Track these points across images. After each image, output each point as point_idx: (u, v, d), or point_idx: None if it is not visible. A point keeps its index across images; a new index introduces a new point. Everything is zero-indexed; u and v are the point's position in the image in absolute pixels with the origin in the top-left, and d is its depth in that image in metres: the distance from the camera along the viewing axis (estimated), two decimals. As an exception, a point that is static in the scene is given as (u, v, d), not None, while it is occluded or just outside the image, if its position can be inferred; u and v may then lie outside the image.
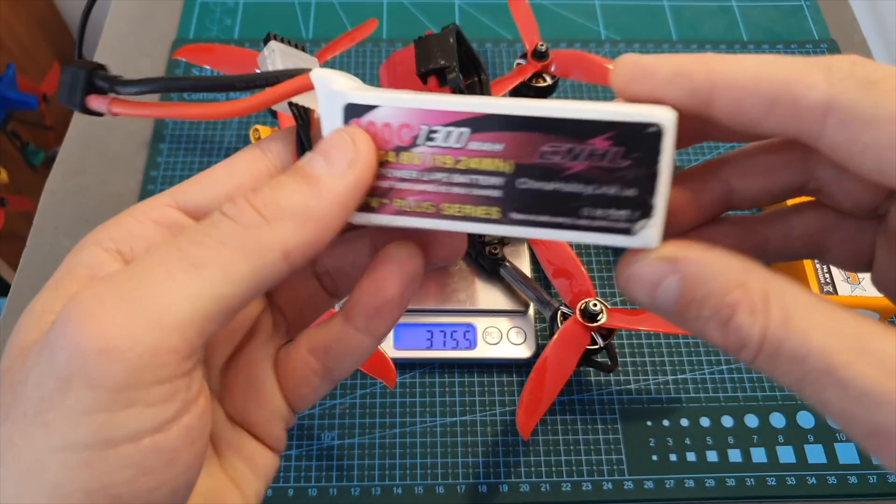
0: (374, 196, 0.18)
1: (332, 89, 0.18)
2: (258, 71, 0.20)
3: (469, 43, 0.44)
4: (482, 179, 0.17)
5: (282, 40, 0.21)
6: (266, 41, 0.20)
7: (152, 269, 0.16)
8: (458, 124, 0.17)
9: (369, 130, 0.18)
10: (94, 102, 0.20)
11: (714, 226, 0.20)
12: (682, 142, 0.19)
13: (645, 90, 0.17)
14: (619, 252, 0.48)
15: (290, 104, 0.19)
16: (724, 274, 0.16)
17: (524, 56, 0.50)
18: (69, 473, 0.14)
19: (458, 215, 0.18)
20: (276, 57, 0.20)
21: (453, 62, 0.40)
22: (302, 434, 0.42)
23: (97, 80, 0.20)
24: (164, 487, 0.16)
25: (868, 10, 0.67)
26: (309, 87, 0.18)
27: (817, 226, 0.20)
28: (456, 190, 0.18)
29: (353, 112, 0.18)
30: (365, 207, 0.18)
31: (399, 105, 0.17)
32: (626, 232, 0.17)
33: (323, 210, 0.17)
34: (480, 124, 0.17)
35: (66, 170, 0.52)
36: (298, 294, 0.23)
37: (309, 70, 0.18)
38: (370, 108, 0.18)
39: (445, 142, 0.17)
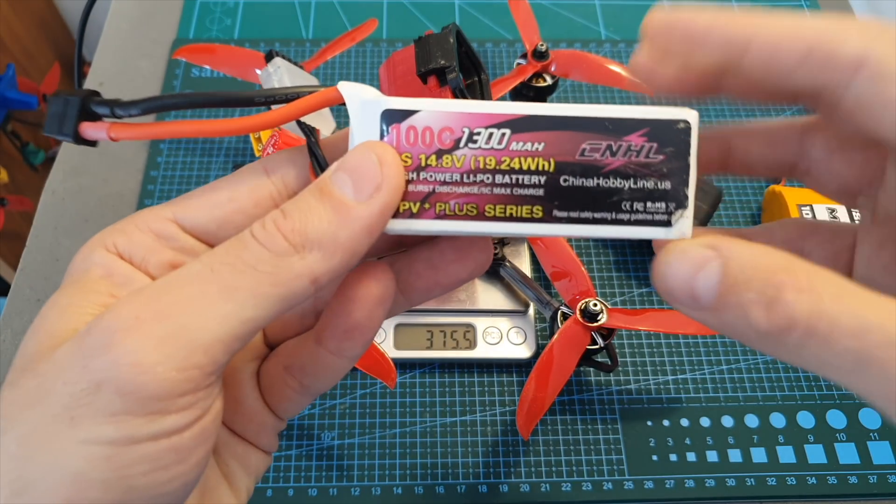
0: (413, 201, 0.18)
1: (364, 98, 0.18)
2: (263, 86, 0.19)
3: (469, 43, 0.44)
4: (525, 179, 0.18)
5: (283, 57, 0.20)
6: (269, 58, 0.20)
7: (185, 288, 0.17)
8: (498, 126, 0.18)
9: (409, 135, 0.18)
10: (89, 130, 0.19)
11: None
12: (704, 169, 0.20)
13: (680, 38, 0.17)
14: (618, 251, 0.48)
15: (300, 123, 0.19)
16: (767, 258, 0.16)
17: (524, 56, 0.50)
18: (90, 464, 0.15)
19: (501, 216, 0.18)
20: (283, 73, 0.20)
21: (453, 62, 0.40)
22: (302, 434, 0.42)
23: (93, 106, 0.19)
24: (176, 481, 0.17)
25: (868, 10, 0.67)
26: (337, 101, 0.18)
27: (797, 233, 0.21)
28: (499, 191, 0.18)
29: (392, 118, 0.18)
30: (405, 213, 0.18)
31: (440, 109, 0.18)
32: (666, 224, 0.18)
33: (349, 238, 0.17)
34: (521, 125, 0.18)
35: (66, 169, 0.52)
36: (290, 329, 0.23)
37: (317, 85, 0.19)
38: (409, 113, 0.18)
39: (487, 143, 0.18)
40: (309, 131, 0.19)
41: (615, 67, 0.47)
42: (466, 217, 0.18)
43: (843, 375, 0.15)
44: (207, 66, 0.53)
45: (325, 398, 0.43)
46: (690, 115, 0.18)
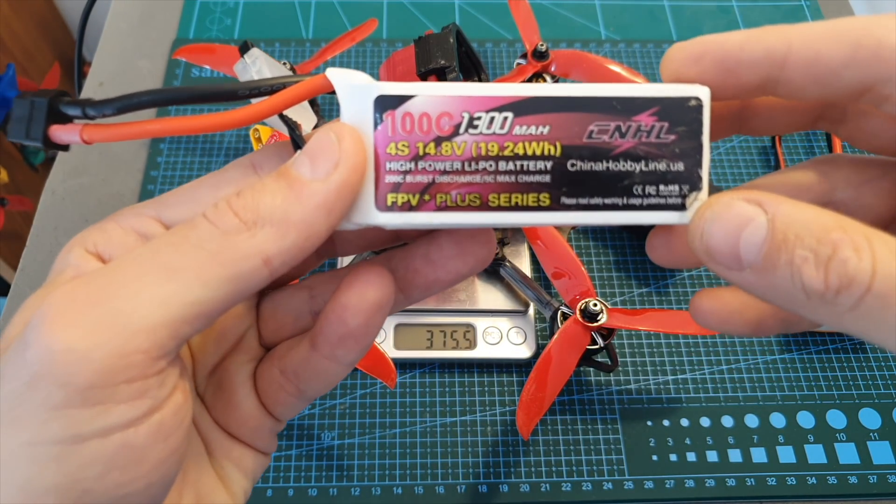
0: (412, 193, 0.17)
1: (355, 84, 0.17)
2: (241, 80, 0.19)
3: (469, 43, 0.44)
4: (530, 165, 0.17)
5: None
6: (245, 49, 0.19)
7: (124, 271, 0.16)
8: (500, 109, 0.17)
9: (405, 123, 0.17)
10: (60, 133, 0.17)
11: None
12: (715, 133, 0.19)
13: (714, 63, 0.17)
14: (617, 251, 0.48)
15: (282, 116, 0.19)
16: (818, 215, 0.15)
17: (524, 56, 0.50)
18: (39, 468, 0.14)
19: (506, 206, 0.17)
20: (262, 64, 0.19)
21: (453, 62, 0.40)
22: (302, 434, 0.42)
23: (62, 107, 0.17)
24: (137, 483, 0.16)
25: (868, 10, 0.67)
26: (326, 89, 0.17)
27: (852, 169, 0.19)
28: (503, 178, 0.17)
29: (386, 104, 0.17)
30: (404, 206, 0.17)
31: (437, 93, 0.17)
32: (680, 207, 0.17)
33: (303, 216, 0.16)
34: (524, 108, 0.17)
35: (66, 170, 0.52)
36: (285, 329, 0.22)
37: (297, 74, 0.18)
38: (404, 98, 0.17)
39: (489, 128, 0.17)
40: (291, 125, 0.19)
41: (615, 67, 0.47)
42: (469, 208, 0.17)
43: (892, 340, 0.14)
44: (207, 66, 0.53)
45: (325, 398, 0.43)
46: (702, 92, 0.17)
